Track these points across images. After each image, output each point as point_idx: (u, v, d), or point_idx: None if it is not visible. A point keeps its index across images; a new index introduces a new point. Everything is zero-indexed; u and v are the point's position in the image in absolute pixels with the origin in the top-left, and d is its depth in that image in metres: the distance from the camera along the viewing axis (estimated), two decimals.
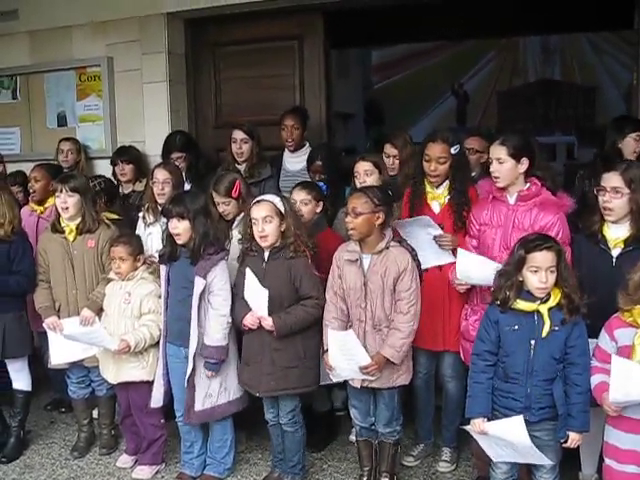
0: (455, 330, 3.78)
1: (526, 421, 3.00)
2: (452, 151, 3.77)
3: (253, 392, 3.77)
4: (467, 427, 3.14)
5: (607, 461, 2.99)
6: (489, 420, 3.08)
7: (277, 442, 3.88)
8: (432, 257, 3.77)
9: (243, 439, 4.37)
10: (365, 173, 4.04)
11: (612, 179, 3.28)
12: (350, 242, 3.54)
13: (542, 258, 2.94)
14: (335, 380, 3.60)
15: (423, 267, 3.68)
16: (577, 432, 2.97)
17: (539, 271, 2.94)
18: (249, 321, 3.63)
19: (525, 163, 3.49)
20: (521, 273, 3.00)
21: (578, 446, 3.27)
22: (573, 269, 3.35)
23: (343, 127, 18.99)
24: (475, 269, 3.45)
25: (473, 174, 4.42)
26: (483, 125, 18.12)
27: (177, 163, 4.97)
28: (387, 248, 3.46)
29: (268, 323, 3.56)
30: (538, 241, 2.98)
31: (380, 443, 3.70)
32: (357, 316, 3.51)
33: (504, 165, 3.47)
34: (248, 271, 3.60)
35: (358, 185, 3.98)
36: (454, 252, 3.65)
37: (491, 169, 3.53)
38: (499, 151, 3.48)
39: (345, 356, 3.41)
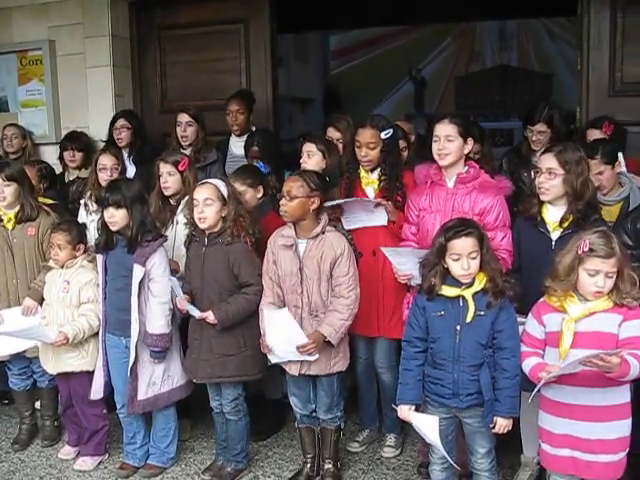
0: (389, 316, 3.78)
1: (455, 408, 3.03)
2: (382, 136, 3.74)
3: (192, 378, 3.77)
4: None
5: (542, 445, 3.00)
6: (419, 407, 3.09)
7: (221, 430, 3.86)
8: (365, 219, 3.76)
9: (188, 427, 4.34)
10: (307, 154, 4.02)
11: (547, 160, 3.28)
12: (285, 227, 3.52)
13: (462, 245, 2.92)
14: (274, 361, 3.56)
15: (352, 227, 3.72)
16: (504, 417, 2.96)
17: (460, 258, 2.93)
18: (179, 305, 3.63)
19: (470, 144, 3.50)
20: (444, 261, 2.98)
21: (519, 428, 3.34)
22: (514, 251, 3.39)
23: (301, 112, 18.96)
24: (406, 259, 3.45)
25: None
26: (440, 110, 18.22)
27: (122, 134, 4.98)
28: (323, 233, 3.45)
29: (210, 317, 3.53)
30: (457, 228, 2.96)
31: (322, 430, 3.68)
32: (293, 302, 3.48)
33: (454, 143, 3.44)
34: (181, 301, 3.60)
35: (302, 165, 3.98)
36: (392, 223, 3.72)
37: (437, 147, 3.46)
38: (449, 129, 3.44)
39: (282, 336, 3.40)
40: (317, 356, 3.43)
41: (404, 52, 20.41)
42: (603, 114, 4.59)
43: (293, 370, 3.53)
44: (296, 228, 3.47)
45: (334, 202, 3.73)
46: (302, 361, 3.48)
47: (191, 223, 3.68)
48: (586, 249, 2.77)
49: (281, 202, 3.45)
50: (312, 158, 3.99)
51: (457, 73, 21.96)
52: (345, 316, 3.41)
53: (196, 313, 3.56)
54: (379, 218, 3.74)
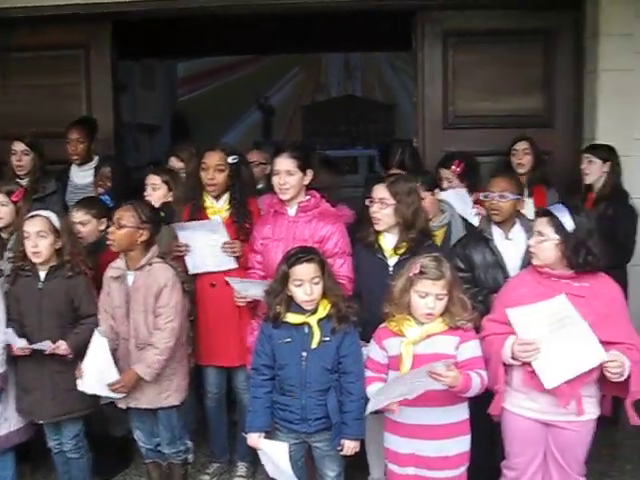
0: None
1: (304, 433, 3.08)
2: (230, 160, 3.77)
3: (35, 419, 3.59)
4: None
5: (389, 465, 3.10)
6: (268, 434, 3.11)
7: (63, 470, 3.70)
8: (211, 262, 3.75)
9: (27, 473, 4.09)
10: (152, 187, 3.99)
11: (379, 190, 3.43)
12: (117, 259, 3.48)
13: (304, 270, 3.01)
14: (81, 389, 3.42)
15: (200, 271, 3.74)
16: (352, 440, 3.04)
17: (303, 284, 3.00)
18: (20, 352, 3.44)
19: (310, 175, 3.58)
20: (288, 288, 3.04)
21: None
22: (355, 278, 3.49)
23: (148, 139, 18.64)
24: (253, 290, 3.49)
25: (260, 186, 4.46)
26: (288, 138, 18.52)
27: None
28: (150, 264, 3.41)
29: (63, 347, 3.39)
30: (298, 255, 3.05)
31: (169, 464, 3.62)
32: (122, 334, 3.45)
33: (294, 177, 3.52)
34: None
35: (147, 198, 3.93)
36: (237, 259, 3.72)
37: (278, 181, 3.54)
38: (289, 164, 3.52)
39: (96, 366, 3.34)
40: (124, 395, 3.39)
41: (252, 80, 20.61)
42: (437, 145, 4.88)
43: (121, 404, 3.47)
44: (127, 259, 3.44)
45: (188, 224, 3.72)
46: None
47: (20, 257, 3.53)
48: (417, 272, 2.91)
49: (109, 230, 3.43)
50: (157, 191, 3.96)
51: (304, 102, 22.44)
52: (160, 350, 3.35)
53: (45, 347, 3.40)
54: (227, 261, 3.74)
